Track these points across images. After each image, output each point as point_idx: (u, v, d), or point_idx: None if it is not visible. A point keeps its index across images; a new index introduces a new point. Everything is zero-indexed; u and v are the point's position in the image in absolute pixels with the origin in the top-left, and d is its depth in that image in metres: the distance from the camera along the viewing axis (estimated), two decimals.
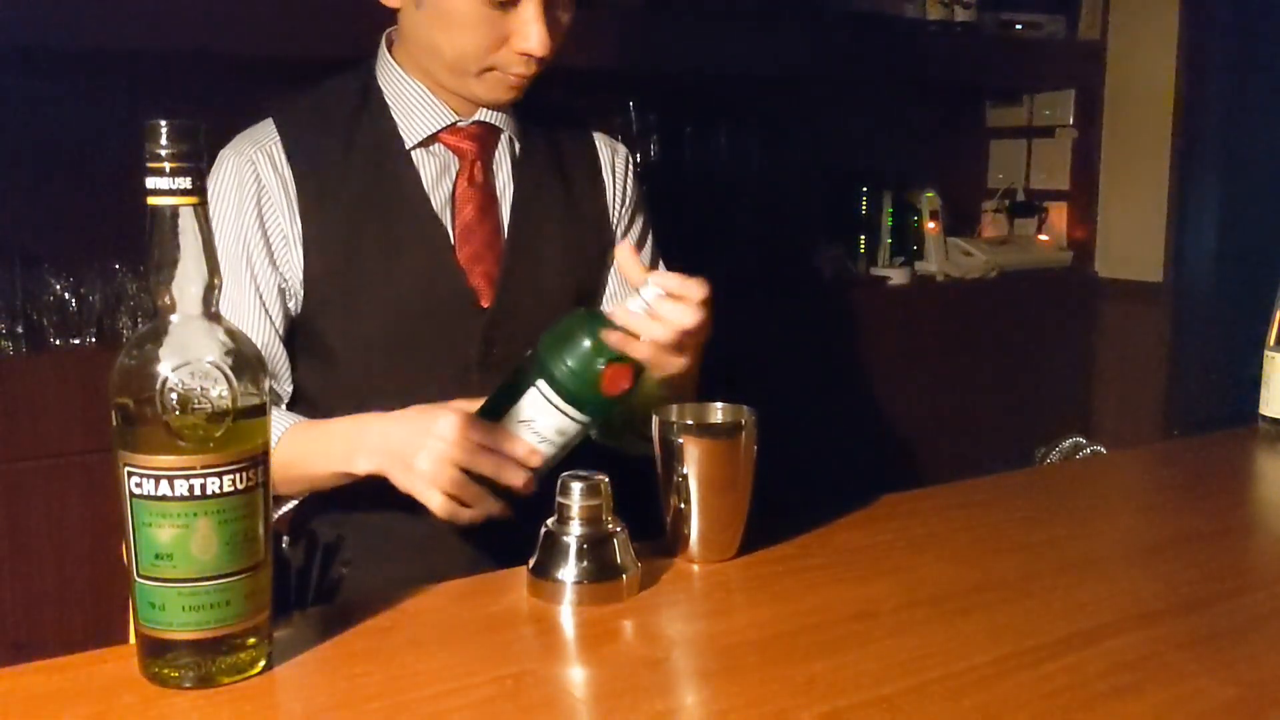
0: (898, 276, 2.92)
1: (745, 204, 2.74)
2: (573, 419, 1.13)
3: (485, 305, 1.32)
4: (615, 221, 1.47)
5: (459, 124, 1.33)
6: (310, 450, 1.20)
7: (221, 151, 1.30)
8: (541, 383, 1.13)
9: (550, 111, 1.41)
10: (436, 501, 1.11)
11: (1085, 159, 3.20)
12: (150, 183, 0.79)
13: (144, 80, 2.11)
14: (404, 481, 1.12)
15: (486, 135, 1.35)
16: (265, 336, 1.28)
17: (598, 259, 1.43)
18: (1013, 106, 3.32)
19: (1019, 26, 3.09)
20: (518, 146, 1.38)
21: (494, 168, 1.36)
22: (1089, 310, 3.20)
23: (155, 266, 0.80)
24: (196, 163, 0.79)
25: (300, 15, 2.00)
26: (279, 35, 1.99)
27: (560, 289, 1.37)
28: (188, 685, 0.80)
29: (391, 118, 1.32)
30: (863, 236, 2.99)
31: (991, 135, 3.37)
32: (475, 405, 1.16)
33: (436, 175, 1.33)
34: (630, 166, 1.50)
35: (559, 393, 1.12)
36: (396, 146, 1.32)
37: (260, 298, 1.28)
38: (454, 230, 1.32)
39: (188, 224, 0.79)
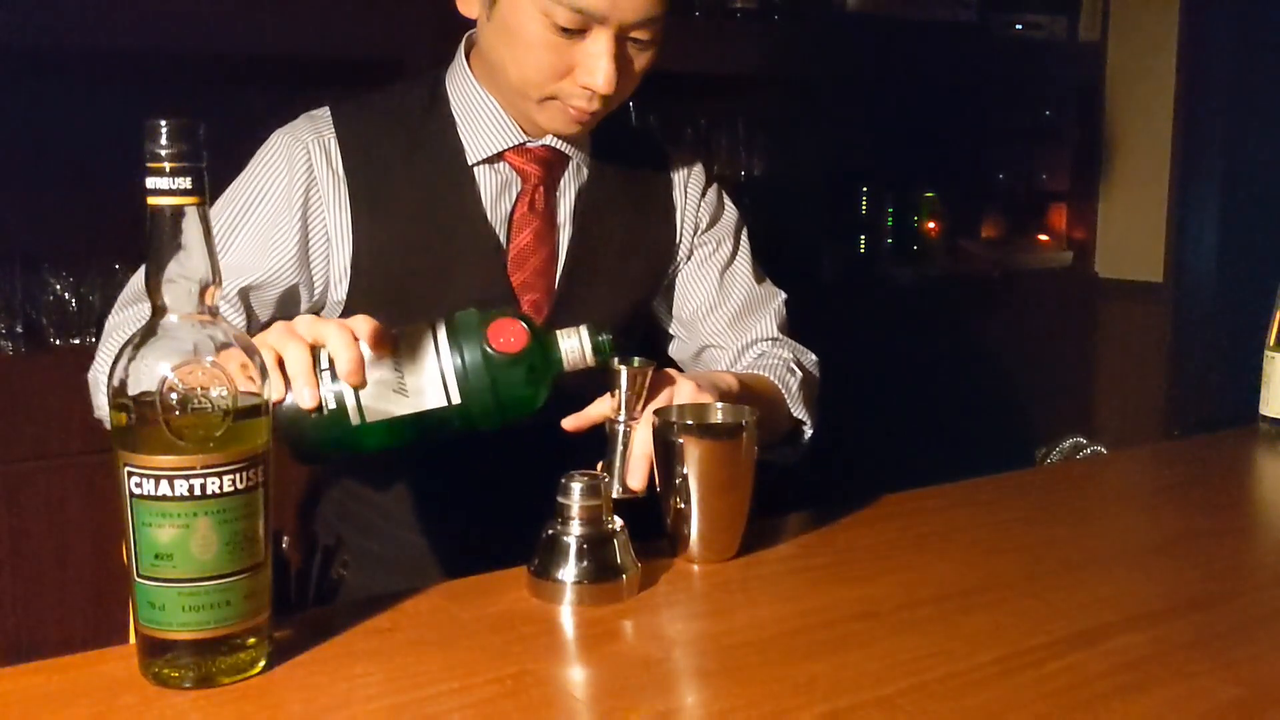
0: (898, 276, 2.92)
1: (745, 204, 2.74)
2: (453, 375, 0.99)
3: None
4: (679, 243, 1.40)
5: (528, 144, 1.28)
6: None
7: (276, 132, 1.26)
8: (440, 331, 1.01)
9: (626, 136, 1.35)
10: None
11: (1085, 159, 3.20)
12: (150, 183, 0.78)
13: (144, 80, 2.12)
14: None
15: (554, 160, 1.29)
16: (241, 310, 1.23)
17: (652, 287, 1.40)
18: (1013, 107, 3.32)
19: (1019, 27, 3.09)
20: (586, 173, 1.33)
21: (558, 194, 1.31)
22: (1089, 310, 3.20)
23: (155, 266, 0.80)
24: (196, 162, 0.79)
25: (301, 16, 2.00)
26: (279, 35, 1.99)
27: (610, 315, 1.30)
28: (188, 685, 0.80)
29: (457, 129, 1.27)
30: (863, 236, 3.00)
31: (991, 135, 3.37)
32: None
33: (497, 193, 1.28)
34: (707, 182, 1.43)
35: (450, 342, 1.00)
36: (459, 159, 1.27)
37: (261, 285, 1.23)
38: (508, 253, 1.28)
39: (187, 224, 0.79)
